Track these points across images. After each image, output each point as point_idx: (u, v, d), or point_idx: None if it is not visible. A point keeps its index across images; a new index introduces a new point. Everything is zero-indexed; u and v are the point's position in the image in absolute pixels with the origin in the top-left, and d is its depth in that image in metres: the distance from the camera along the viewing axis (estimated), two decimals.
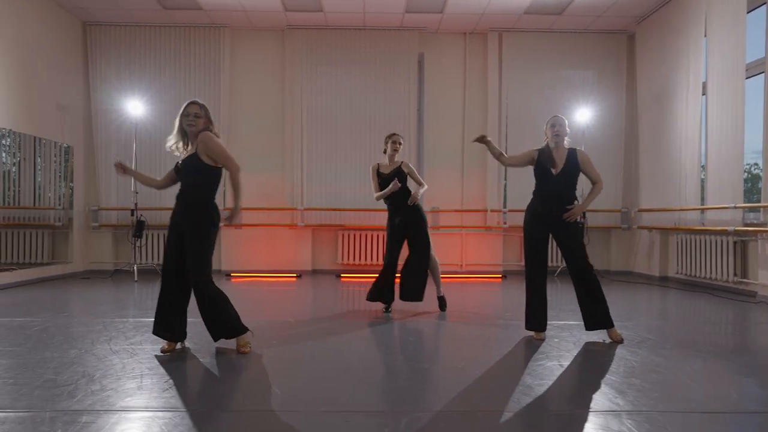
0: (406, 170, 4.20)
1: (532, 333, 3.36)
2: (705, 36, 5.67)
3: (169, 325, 2.83)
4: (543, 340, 3.25)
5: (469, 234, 7.13)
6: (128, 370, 2.51)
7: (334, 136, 6.98)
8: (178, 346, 2.95)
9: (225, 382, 2.42)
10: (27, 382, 2.30)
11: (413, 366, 2.70)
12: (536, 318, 3.30)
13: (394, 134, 4.24)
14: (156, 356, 2.76)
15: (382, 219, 6.97)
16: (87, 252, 6.88)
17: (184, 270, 2.79)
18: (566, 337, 3.33)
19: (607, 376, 2.52)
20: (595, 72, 7.16)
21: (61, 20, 6.43)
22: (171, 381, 2.38)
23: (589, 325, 3.26)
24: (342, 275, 6.75)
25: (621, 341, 3.18)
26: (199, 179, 2.80)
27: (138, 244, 6.52)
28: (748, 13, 5.18)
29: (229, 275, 6.62)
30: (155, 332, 2.87)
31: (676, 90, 6.14)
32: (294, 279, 6.48)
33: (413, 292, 4.13)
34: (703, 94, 5.75)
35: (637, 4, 6.33)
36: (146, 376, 2.43)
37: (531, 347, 3.09)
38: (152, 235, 6.84)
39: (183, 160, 2.87)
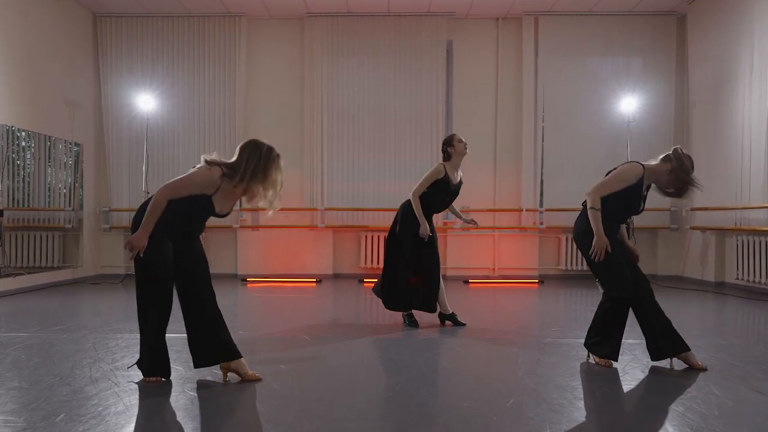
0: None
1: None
2: None
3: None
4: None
5: (503, 235, 6.57)
6: (101, 409, 2.05)
7: (357, 131, 6.51)
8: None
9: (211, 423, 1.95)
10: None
11: (455, 402, 2.19)
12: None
13: (456, 134, 3.76)
14: (138, 388, 2.32)
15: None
16: (98, 255, 6.59)
17: None
18: (628, 361, 2.76)
19: (701, 422, 1.94)
20: (642, 58, 6.53)
21: (71, 12, 6.17)
22: (151, 426, 1.92)
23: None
24: (365, 280, 6.27)
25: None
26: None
27: None
28: None
29: (245, 280, 6.22)
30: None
31: (736, 74, 5.54)
32: (314, 284, 6.03)
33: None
34: None
35: None
36: (120, 416, 1.98)
37: (591, 374, 2.51)
38: None
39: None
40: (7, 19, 5.17)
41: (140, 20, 6.53)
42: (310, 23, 6.52)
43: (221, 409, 2.11)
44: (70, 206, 6.24)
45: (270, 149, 2.42)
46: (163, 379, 2.41)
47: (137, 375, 2.46)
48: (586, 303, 4.84)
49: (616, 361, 2.69)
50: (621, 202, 2.65)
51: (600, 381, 2.49)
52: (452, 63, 6.64)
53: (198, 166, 2.45)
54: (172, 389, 2.32)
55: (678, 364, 2.67)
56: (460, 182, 3.76)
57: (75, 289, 5.58)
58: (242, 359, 2.42)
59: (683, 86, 6.49)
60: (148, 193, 6.07)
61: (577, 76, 6.51)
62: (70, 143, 6.17)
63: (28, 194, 5.75)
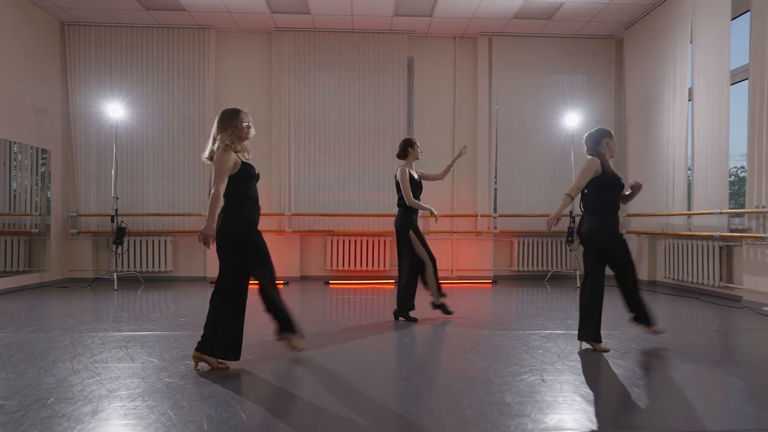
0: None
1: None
2: (691, 42, 5.69)
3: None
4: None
5: (460, 239, 7.04)
6: (86, 393, 2.34)
7: (323, 140, 6.85)
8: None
9: (192, 408, 2.26)
10: None
11: (391, 381, 2.57)
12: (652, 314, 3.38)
13: (412, 138, 4.50)
14: (119, 377, 2.59)
15: (370, 224, 6.86)
16: (65, 260, 6.66)
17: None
18: (551, 348, 3.24)
19: (588, 391, 2.42)
20: (585, 77, 7.14)
21: (38, 20, 6.24)
22: (132, 405, 2.22)
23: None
24: (331, 282, 6.61)
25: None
26: None
27: (118, 251, 6.33)
28: (732, 19, 5.20)
29: (214, 283, 6.43)
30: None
31: (662, 95, 6.17)
32: (281, 286, 6.32)
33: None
34: (690, 100, 5.76)
35: (624, 10, 6.32)
36: (104, 399, 2.27)
37: (514, 359, 2.98)
38: (133, 241, 6.64)
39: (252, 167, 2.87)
40: None
41: (108, 30, 6.66)
42: (277, 37, 6.83)
43: (192, 394, 2.42)
44: (36, 211, 6.30)
45: (230, 109, 2.86)
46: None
47: (118, 367, 2.73)
48: (532, 301, 5.34)
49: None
50: (603, 187, 3.20)
51: (515, 364, 2.93)
52: (413, 78, 7.09)
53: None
54: (149, 377, 2.60)
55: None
56: (419, 177, 4.46)
57: (43, 292, 5.67)
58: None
59: (621, 104, 7.14)
60: (118, 198, 6.24)
61: (528, 92, 7.05)
62: (37, 149, 6.24)
63: None
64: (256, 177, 2.91)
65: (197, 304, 4.93)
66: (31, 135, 6.08)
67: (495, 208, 7.09)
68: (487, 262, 7.03)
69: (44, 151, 6.33)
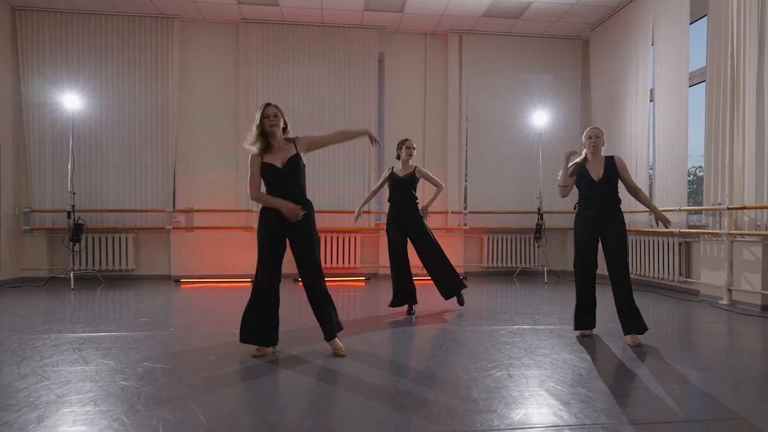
0: (419, 175, 4.42)
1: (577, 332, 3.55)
2: (652, 45, 5.86)
3: (262, 330, 2.96)
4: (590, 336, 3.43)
5: None
6: (33, 399, 2.19)
7: (292, 135, 6.70)
8: (270, 350, 3.02)
9: (148, 412, 2.16)
10: None
11: (358, 380, 2.54)
12: (588, 314, 3.51)
13: (408, 139, 4.42)
14: (70, 381, 2.46)
15: (341, 221, 6.79)
16: (18, 258, 6.30)
17: (279, 273, 2.97)
18: (518, 343, 3.27)
19: (553, 385, 2.45)
20: (553, 76, 7.27)
21: None
22: (83, 411, 2.10)
23: (626, 331, 3.36)
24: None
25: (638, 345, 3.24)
26: (303, 179, 2.97)
27: (75, 248, 6.03)
28: (691, 23, 5.38)
29: (179, 281, 6.24)
30: (244, 340, 2.97)
31: (626, 96, 6.34)
32: (249, 284, 6.16)
33: (453, 286, 4.45)
34: (651, 101, 5.94)
35: (590, 12, 6.47)
36: (52, 405, 2.14)
37: (481, 355, 2.99)
38: (92, 239, 6.35)
39: (288, 162, 2.91)
40: None
41: (64, 16, 6.32)
42: (244, 29, 6.65)
43: (148, 397, 2.31)
44: None
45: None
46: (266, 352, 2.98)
47: (68, 371, 2.58)
48: (501, 296, 5.41)
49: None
50: (579, 187, 3.49)
51: (482, 359, 2.95)
52: (384, 74, 7.05)
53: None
54: (103, 380, 2.47)
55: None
56: (406, 176, 4.42)
57: None
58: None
59: (587, 103, 7.32)
60: (75, 193, 5.94)
61: (497, 90, 7.13)
62: None
63: None
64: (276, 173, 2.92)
65: (159, 303, 4.75)
66: None
67: (465, 205, 7.15)
68: (458, 259, 7.08)
69: None
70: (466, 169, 7.17)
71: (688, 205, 5.39)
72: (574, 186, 3.52)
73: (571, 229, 7.32)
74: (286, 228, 2.91)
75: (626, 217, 6.21)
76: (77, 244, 5.96)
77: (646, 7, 5.93)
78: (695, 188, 6.20)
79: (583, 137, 3.56)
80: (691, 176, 6.04)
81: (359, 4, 6.17)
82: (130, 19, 6.44)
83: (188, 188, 6.61)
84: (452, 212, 7.08)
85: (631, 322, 3.32)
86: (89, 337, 3.32)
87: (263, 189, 2.95)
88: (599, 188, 3.38)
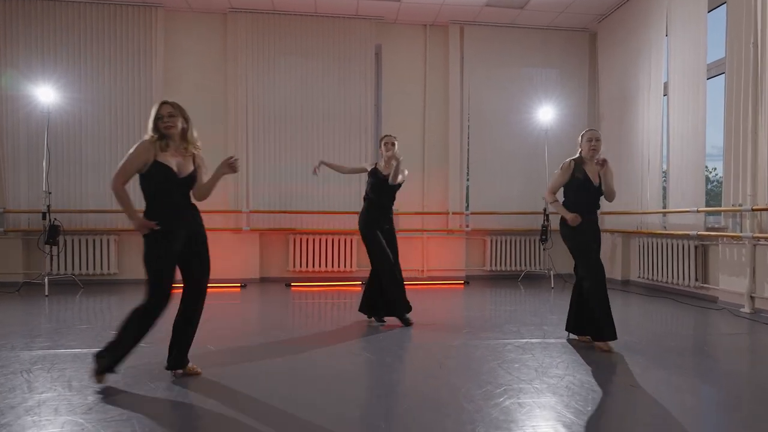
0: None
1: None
2: (666, 35, 5.52)
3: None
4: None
5: (431, 238, 6.71)
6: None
7: (284, 131, 6.36)
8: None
9: None
10: None
11: (346, 407, 2.17)
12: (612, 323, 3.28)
13: (388, 135, 4.16)
14: (2, 414, 2.09)
15: (336, 222, 6.43)
16: None
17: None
18: (527, 361, 2.93)
19: (573, 418, 2.08)
20: (559, 69, 6.92)
21: None
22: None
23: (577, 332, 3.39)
24: (293, 284, 6.14)
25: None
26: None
27: (52, 252, 5.66)
28: (709, 12, 5.04)
29: None
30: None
31: (637, 90, 6.02)
32: (238, 289, 5.81)
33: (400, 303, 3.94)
34: (665, 95, 5.60)
35: (598, 2, 6.16)
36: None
37: (486, 376, 2.64)
38: (71, 241, 5.98)
39: (189, 175, 2.62)
40: None
41: (39, 3, 5.94)
42: (233, 19, 6.28)
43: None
44: None
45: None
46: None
47: (3, 401, 2.22)
48: (505, 303, 5.05)
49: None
50: (575, 190, 3.32)
51: (488, 383, 2.58)
52: (381, 66, 6.68)
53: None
54: (43, 413, 2.10)
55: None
56: (389, 174, 4.03)
57: None
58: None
59: (594, 98, 6.96)
60: (51, 193, 5.57)
61: (500, 84, 6.77)
62: None
63: None
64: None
65: None
66: None
67: (467, 206, 6.79)
68: (459, 262, 6.73)
69: None
70: (468, 167, 6.80)
71: (706, 206, 5.03)
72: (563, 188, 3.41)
73: None
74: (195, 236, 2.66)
75: (638, 218, 5.98)
76: (54, 246, 5.59)
77: None
78: (709, 188, 5.85)
79: (580, 138, 3.43)
80: (713, 182, 5.72)
81: None
82: (111, 7, 6.07)
83: None
84: (453, 213, 6.71)
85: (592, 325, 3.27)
86: (45, 355, 2.95)
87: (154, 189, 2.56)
88: (597, 194, 3.35)
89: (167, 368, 2.60)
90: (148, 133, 2.53)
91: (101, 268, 6.07)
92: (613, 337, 3.16)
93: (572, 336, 3.47)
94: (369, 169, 4.15)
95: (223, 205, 6.29)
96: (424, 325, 3.96)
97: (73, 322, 3.91)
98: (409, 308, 3.95)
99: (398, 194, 7.09)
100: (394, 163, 3.96)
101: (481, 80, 6.75)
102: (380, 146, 4.14)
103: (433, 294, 5.60)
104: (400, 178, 4.03)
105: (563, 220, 3.34)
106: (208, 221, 6.42)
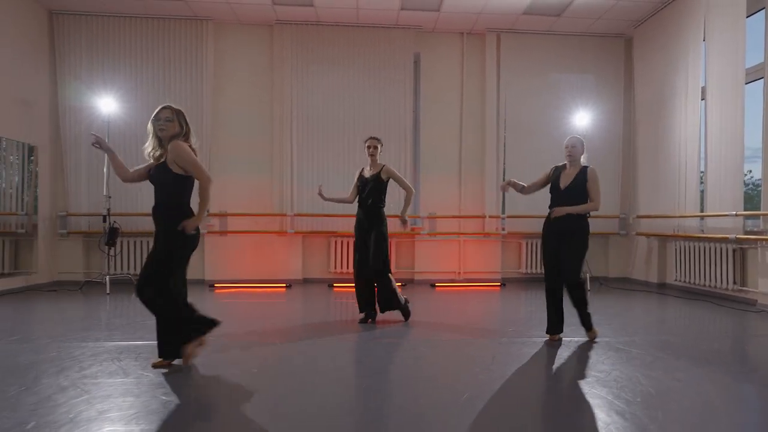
0: (384, 177, 4.13)
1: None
2: (704, 40, 5.53)
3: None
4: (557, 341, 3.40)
5: (468, 240, 6.82)
6: (73, 415, 2.06)
7: (326, 138, 6.59)
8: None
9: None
10: None
11: (413, 399, 2.33)
12: (551, 322, 3.53)
13: (369, 137, 4.21)
14: (110, 395, 2.32)
15: None
16: (54, 261, 6.33)
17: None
18: (574, 357, 3.06)
19: (625, 407, 2.21)
20: (594, 75, 6.96)
21: (23, 7, 5.89)
22: (125, 430, 1.95)
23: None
24: (335, 285, 6.35)
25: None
26: (169, 188, 2.73)
27: (111, 252, 6.02)
28: (747, 17, 5.05)
29: (213, 286, 6.16)
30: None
31: (674, 95, 6.02)
32: (284, 289, 6.05)
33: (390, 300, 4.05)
34: (702, 99, 5.61)
35: (635, 8, 6.16)
36: (93, 423, 1.99)
37: (539, 370, 2.76)
38: (126, 243, 6.33)
39: (155, 168, 2.77)
40: None
41: (100, 19, 6.35)
42: (279, 30, 6.56)
43: (194, 412, 2.16)
44: (23, 210, 5.98)
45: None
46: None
47: (108, 383, 2.46)
48: (544, 304, 5.11)
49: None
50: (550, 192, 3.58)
51: (540, 375, 2.70)
52: (419, 74, 6.86)
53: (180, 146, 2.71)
54: (144, 395, 2.33)
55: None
56: (372, 175, 4.16)
57: (30, 296, 5.34)
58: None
59: (630, 104, 6.97)
60: (110, 197, 5.93)
61: (536, 90, 6.85)
62: (24, 145, 5.92)
63: None
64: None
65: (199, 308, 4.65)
66: (17, 130, 5.76)
67: (503, 209, 6.88)
68: (495, 264, 6.82)
69: (31, 147, 6.01)
70: (504, 172, 6.90)
71: (745, 210, 5.03)
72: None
73: (613, 234, 7.07)
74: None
75: (674, 222, 5.97)
76: (113, 248, 5.94)
77: (697, 2, 5.60)
78: (747, 191, 5.79)
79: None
80: (748, 174, 5.68)
81: (395, 3, 6.01)
82: (164, 21, 6.43)
83: (222, 192, 6.53)
84: (490, 216, 6.82)
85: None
86: (127, 346, 3.21)
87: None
88: (561, 197, 3.46)
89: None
90: (192, 137, 2.79)
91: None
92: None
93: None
94: (357, 176, 4.25)
95: (269, 209, 6.56)
96: (470, 322, 4.08)
97: (138, 318, 4.16)
98: (362, 309, 4.11)
99: (436, 198, 7.23)
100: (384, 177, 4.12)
101: (517, 86, 6.85)
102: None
103: (471, 295, 5.71)
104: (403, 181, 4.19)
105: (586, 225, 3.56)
106: (253, 224, 6.80)
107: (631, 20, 6.53)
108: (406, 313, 4.11)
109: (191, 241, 2.74)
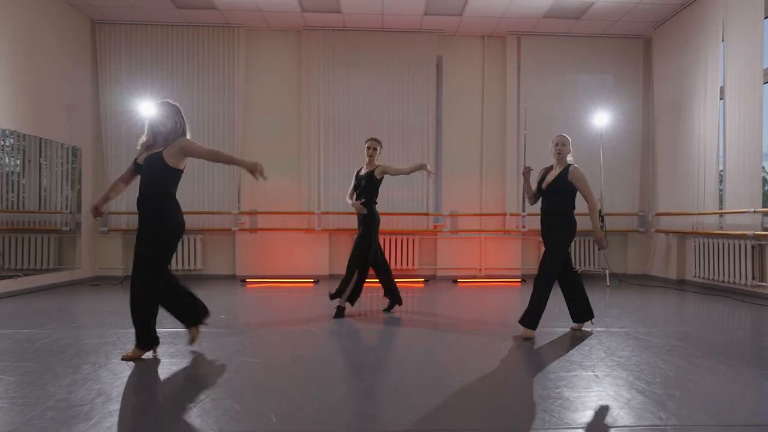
0: (378, 175, 4.29)
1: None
2: (722, 41, 5.66)
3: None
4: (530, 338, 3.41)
5: (488, 238, 7.02)
6: (146, 387, 2.33)
7: (352, 138, 6.85)
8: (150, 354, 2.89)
9: (255, 400, 2.25)
10: (37, 402, 2.12)
11: (444, 382, 2.56)
12: (570, 312, 3.70)
13: (371, 139, 4.38)
14: (175, 372, 2.59)
15: (400, 223, 6.86)
16: (96, 257, 6.68)
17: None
18: (596, 345, 3.23)
19: (644, 386, 2.42)
20: (613, 76, 7.11)
21: (69, 18, 6.25)
22: (197, 400, 2.21)
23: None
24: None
25: None
26: (159, 177, 2.84)
27: None
28: (765, 18, 5.17)
29: (244, 281, 6.45)
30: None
31: (693, 95, 6.14)
32: (312, 284, 6.31)
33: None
34: (721, 99, 5.74)
35: (654, 10, 6.30)
36: (167, 394, 2.26)
37: (564, 356, 2.97)
38: None
39: (147, 158, 2.87)
40: (9, 24, 5.28)
41: (138, 28, 6.69)
42: (307, 36, 6.84)
43: (252, 388, 2.40)
44: (67, 209, 6.32)
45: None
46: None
47: (170, 362, 2.72)
48: (562, 299, 5.30)
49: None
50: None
51: (566, 360, 2.90)
52: (442, 77, 7.08)
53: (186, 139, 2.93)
54: (204, 372, 2.58)
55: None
56: (366, 173, 4.33)
57: (75, 290, 5.67)
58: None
59: (649, 104, 7.11)
60: None
61: (556, 92, 7.03)
62: (68, 147, 6.26)
63: (24, 196, 5.79)
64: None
65: (232, 302, 4.94)
66: (61, 133, 6.11)
67: (523, 207, 7.07)
68: (516, 261, 7.01)
69: (75, 149, 6.36)
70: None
71: (763, 207, 5.15)
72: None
73: (632, 232, 7.21)
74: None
75: (693, 219, 6.10)
76: None
77: (716, 4, 5.74)
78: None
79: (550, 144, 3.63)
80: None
81: (419, 8, 6.24)
82: (199, 29, 6.74)
83: (253, 191, 6.84)
84: (510, 214, 7.01)
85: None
86: (178, 332, 3.46)
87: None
88: (544, 196, 3.55)
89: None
90: (187, 133, 2.94)
91: (189, 264, 6.71)
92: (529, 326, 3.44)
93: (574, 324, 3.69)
94: (354, 176, 4.45)
95: (297, 207, 6.84)
96: (497, 315, 4.29)
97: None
98: (343, 299, 4.20)
99: (458, 196, 7.42)
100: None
101: (537, 88, 7.04)
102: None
103: (493, 291, 5.91)
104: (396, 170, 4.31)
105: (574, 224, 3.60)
106: (281, 222, 7.07)
107: (650, 22, 6.67)
108: (338, 312, 4.16)
109: (177, 237, 2.84)
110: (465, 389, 2.38)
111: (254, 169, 2.83)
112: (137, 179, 2.96)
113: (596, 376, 2.56)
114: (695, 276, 6.15)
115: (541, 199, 3.64)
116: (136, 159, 2.93)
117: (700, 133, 6.01)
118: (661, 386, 2.42)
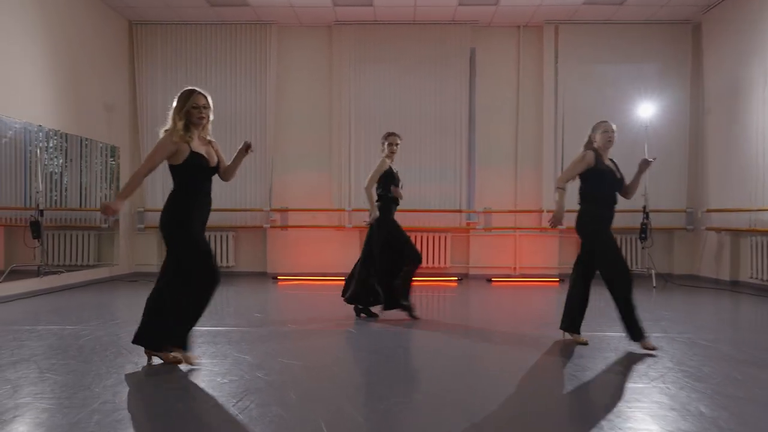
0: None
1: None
2: None
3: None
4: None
5: (523, 236, 6.79)
6: (190, 389, 2.29)
7: (383, 134, 6.70)
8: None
9: (302, 406, 2.17)
10: (83, 404, 2.09)
11: (499, 390, 2.41)
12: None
13: (393, 133, 4.29)
14: (219, 373, 2.53)
15: (431, 220, 6.70)
16: (133, 254, 6.83)
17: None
18: (657, 353, 2.99)
19: (728, 402, 2.18)
20: (659, 65, 6.74)
21: (108, 19, 6.40)
22: (242, 405, 2.14)
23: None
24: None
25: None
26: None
27: None
28: None
29: (276, 278, 6.45)
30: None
31: (750, 83, 5.73)
32: (343, 282, 6.23)
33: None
34: None
35: None
36: (212, 398, 2.20)
37: (628, 361, 2.74)
38: None
39: (217, 164, 2.72)
40: (49, 26, 5.41)
41: (173, 27, 6.77)
42: (338, 31, 6.76)
43: (297, 394, 2.33)
44: None
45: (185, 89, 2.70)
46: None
47: (212, 363, 2.69)
48: (602, 300, 5.04)
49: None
50: (597, 182, 3.22)
51: (616, 370, 2.70)
52: (475, 69, 6.87)
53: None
54: (246, 374, 2.53)
55: None
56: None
57: (114, 286, 5.81)
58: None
59: (698, 93, 6.69)
60: None
61: (596, 82, 6.71)
62: (107, 146, 6.41)
63: (65, 194, 5.96)
64: (207, 170, 2.67)
65: (265, 299, 4.94)
66: (101, 132, 6.25)
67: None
68: (552, 260, 6.75)
69: (113, 147, 6.50)
70: (562, 165, 6.80)
71: None
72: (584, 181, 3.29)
73: (679, 230, 6.81)
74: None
75: (749, 216, 5.68)
76: None
77: None
78: None
79: (593, 131, 3.40)
80: None
81: None
82: (231, 27, 6.78)
83: (284, 188, 6.83)
84: (548, 211, 6.74)
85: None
86: (218, 331, 3.45)
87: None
88: (617, 188, 3.28)
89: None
90: (177, 122, 2.60)
91: (221, 261, 6.77)
92: (639, 338, 3.05)
93: (567, 335, 3.33)
94: (389, 171, 4.37)
95: (327, 204, 6.78)
96: (542, 317, 4.10)
97: (217, 306, 4.44)
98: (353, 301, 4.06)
99: (491, 192, 7.20)
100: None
101: (575, 78, 6.74)
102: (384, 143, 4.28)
103: (530, 291, 5.70)
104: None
105: (583, 214, 3.26)
106: (311, 219, 7.03)
107: (699, 5, 6.26)
108: (358, 310, 4.08)
109: (171, 231, 2.67)
110: (523, 398, 2.23)
111: (102, 211, 2.57)
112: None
113: (668, 387, 2.36)
114: (752, 277, 5.75)
115: (608, 191, 3.27)
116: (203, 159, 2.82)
117: (758, 123, 5.60)
118: (750, 401, 2.20)
